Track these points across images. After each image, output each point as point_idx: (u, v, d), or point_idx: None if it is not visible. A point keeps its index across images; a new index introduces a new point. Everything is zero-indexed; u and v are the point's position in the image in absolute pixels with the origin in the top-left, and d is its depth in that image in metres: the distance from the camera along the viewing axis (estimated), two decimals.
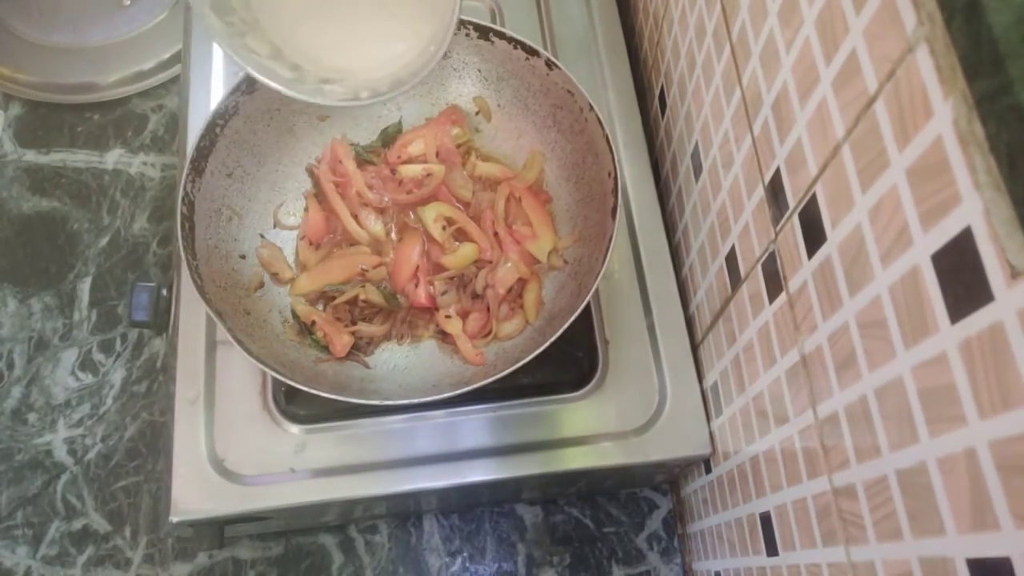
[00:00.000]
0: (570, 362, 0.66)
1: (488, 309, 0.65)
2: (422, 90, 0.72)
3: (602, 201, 0.63)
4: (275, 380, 0.64)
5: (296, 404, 0.64)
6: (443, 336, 0.66)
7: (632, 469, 0.66)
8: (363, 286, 0.66)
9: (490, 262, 0.67)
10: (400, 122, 0.72)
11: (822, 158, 0.41)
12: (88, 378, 0.88)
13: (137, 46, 1.01)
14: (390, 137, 0.71)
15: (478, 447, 0.63)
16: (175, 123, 0.99)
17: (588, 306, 0.58)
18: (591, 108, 0.63)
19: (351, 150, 0.70)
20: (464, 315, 0.65)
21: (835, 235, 0.40)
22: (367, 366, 0.64)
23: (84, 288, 0.92)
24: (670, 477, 0.80)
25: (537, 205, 0.68)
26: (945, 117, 0.30)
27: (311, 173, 0.70)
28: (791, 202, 0.45)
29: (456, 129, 0.70)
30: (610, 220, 0.60)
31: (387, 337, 0.66)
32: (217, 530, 0.64)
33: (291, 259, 0.68)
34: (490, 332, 0.65)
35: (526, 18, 0.81)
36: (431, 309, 0.66)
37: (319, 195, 0.69)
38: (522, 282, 0.66)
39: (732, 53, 0.53)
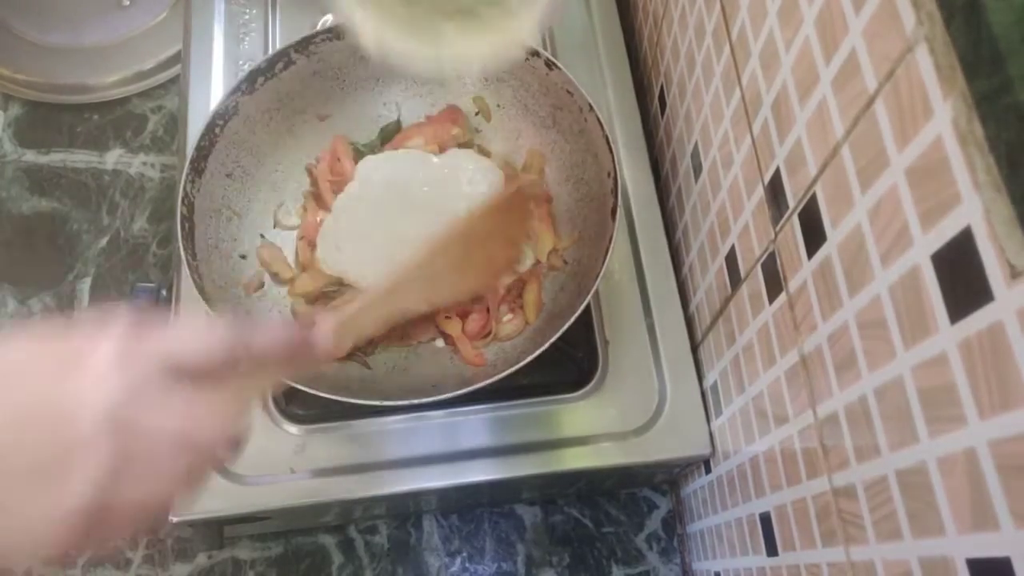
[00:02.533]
0: (570, 362, 0.66)
1: (488, 310, 0.65)
2: (422, 90, 0.72)
3: (602, 201, 0.63)
4: None
5: (296, 404, 0.64)
6: (443, 337, 0.66)
7: (632, 469, 0.66)
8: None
9: None
10: (399, 120, 0.72)
11: (822, 158, 0.41)
12: None
13: (136, 46, 1.01)
14: (389, 134, 0.71)
15: (478, 447, 0.63)
16: (175, 123, 0.99)
17: (588, 306, 0.58)
18: (591, 108, 0.62)
19: (350, 149, 0.70)
20: (464, 315, 0.65)
21: (835, 235, 0.40)
22: (367, 366, 0.64)
23: (84, 289, 0.92)
24: (670, 477, 0.79)
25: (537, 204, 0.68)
26: (945, 117, 0.30)
27: (310, 172, 0.70)
28: (791, 202, 0.45)
29: (456, 128, 0.70)
30: (610, 220, 0.60)
31: (387, 339, 0.66)
32: (216, 530, 0.64)
33: (291, 259, 0.68)
34: (490, 333, 0.65)
35: None
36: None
37: (316, 194, 0.69)
38: (522, 282, 0.66)
39: (732, 53, 0.53)
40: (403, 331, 0.65)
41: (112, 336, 0.32)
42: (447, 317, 0.65)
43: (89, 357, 0.31)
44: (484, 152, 0.71)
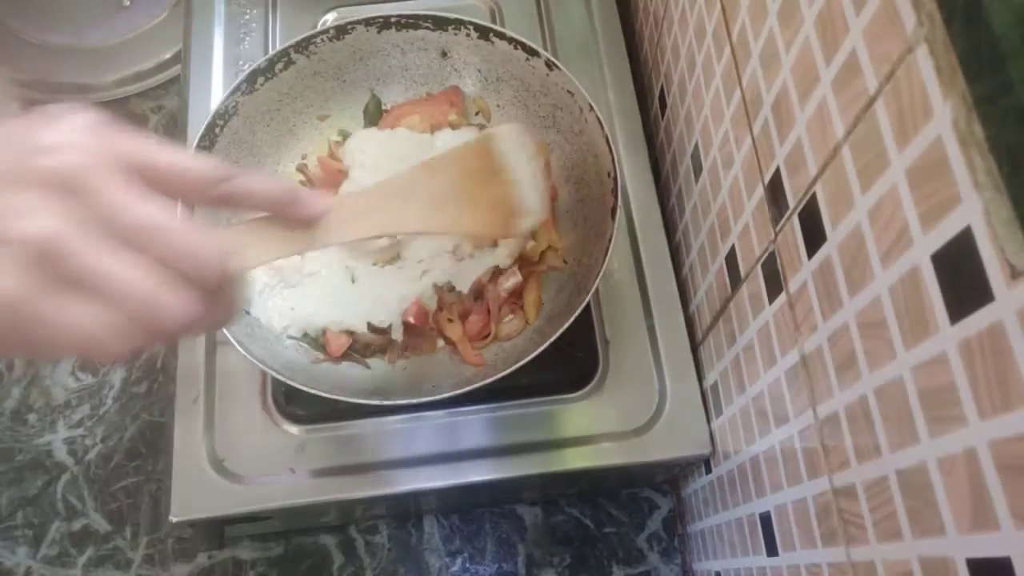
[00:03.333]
0: (570, 362, 0.66)
1: (488, 310, 0.65)
2: (421, 90, 0.72)
3: (602, 201, 0.63)
4: (275, 380, 0.64)
5: (296, 404, 0.64)
6: (443, 337, 0.66)
7: (632, 469, 0.66)
8: None
9: None
10: (378, 100, 0.72)
11: (822, 158, 0.41)
12: (88, 379, 0.88)
13: (137, 46, 1.01)
14: (374, 114, 0.71)
15: (478, 447, 0.63)
16: (175, 123, 0.99)
17: (588, 306, 0.58)
18: (591, 108, 0.63)
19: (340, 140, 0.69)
20: (464, 316, 0.65)
21: (835, 235, 0.40)
22: (367, 366, 0.64)
23: None
24: (670, 477, 0.80)
25: None
26: (945, 117, 0.30)
27: (303, 172, 0.70)
28: (791, 202, 0.45)
29: (452, 114, 0.70)
30: (610, 220, 0.60)
31: (383, 351, 0.65)
32: (217, 530, 0.64)
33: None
34: (490, 334, 0.65)
35: (526, 18, 0.81)
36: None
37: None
38: (521, 282, 0.66)
39: (732, 53, 0.53)
40: (409, 342, 0.65)
41: (79, 116, 0.28)
42: (449, 320, 0.64)
43: (48, 126, 0.27)
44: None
